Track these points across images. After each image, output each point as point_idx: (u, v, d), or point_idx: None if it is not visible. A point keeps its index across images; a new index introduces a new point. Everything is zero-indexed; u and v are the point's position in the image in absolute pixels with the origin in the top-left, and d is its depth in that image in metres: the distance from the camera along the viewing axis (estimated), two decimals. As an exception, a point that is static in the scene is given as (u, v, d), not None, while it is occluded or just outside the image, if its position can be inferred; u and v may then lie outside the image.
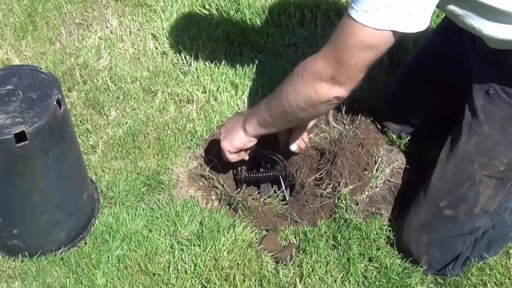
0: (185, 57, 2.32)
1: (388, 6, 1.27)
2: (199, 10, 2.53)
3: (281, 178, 1.89)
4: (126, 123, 2.08)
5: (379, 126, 1.98)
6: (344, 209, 1.78)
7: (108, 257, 1.72)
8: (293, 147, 1.84)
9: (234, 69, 2.25)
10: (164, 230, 1.79)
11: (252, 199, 1.87)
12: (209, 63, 2.28)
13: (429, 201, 1.64)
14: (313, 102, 1.48)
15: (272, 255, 1.73)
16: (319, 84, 1.44)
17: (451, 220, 1.62)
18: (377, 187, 1.82)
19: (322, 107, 1.50)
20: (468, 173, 1.59)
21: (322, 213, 1.81)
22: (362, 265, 1.69)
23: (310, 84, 1.45)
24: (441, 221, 1.63)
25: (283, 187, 1.89)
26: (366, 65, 1.38)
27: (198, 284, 1.66)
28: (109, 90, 2.21)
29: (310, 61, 1.46)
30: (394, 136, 1.94)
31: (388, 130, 1.96)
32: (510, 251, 1.72)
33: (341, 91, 1.43)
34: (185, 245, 1.74)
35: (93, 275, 1.68)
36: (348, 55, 1.36)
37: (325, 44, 1.43)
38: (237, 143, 1.71)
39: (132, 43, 2.41)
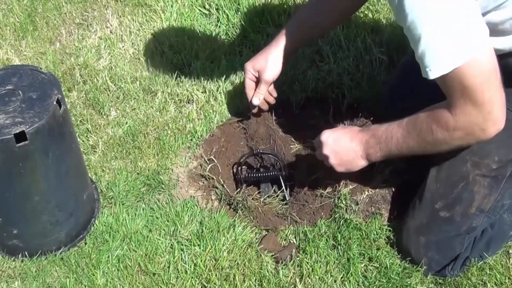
0: (185, 57, 2.32)
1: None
2: (199, 10, 2.53)
3: (281, 178, 1.89)
4: (126, 123, 2.08)
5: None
6: (344, 209, 1.78)
7: (108, 257, 1.72)
8: (255, 101, 1.89)
9: (234, 69, 2.25)
10: (164, 230, 1.79)
11: (252, 199, 1.87)
12: (209, 63, 2.28)
13: (425, 204, 1.65)
14: (472, 144, 1.51)
15: (272, 255, 1.73)
16: (480, 133, 1.42)
17: (448, 221, 1.62)
18: (377, 187, 1.82)
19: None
20: (461, 173, 1.60)
21: (322, 213, 1.81)
22: (362, 265, 1.69)
23: (467, 139, 1.45)
24: (438, 223, 1.63)
25: (283, 187, 1.89)
26: (498, 86, 1.38)
27: (198, 284, 1.66)
28: (109, 90, 2.21)
29: (450, 124, 1.42)
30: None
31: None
32: (510, 251, 1.72)
33: (501, 123, 1.41)
34: (185, 245, 1.74)
35: (93, 275, 1.68)
36: (480, 95, 1.36)
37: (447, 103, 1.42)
38: (356, 170, 1.69)
39: (132, 43, 2.41)
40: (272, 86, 1.94)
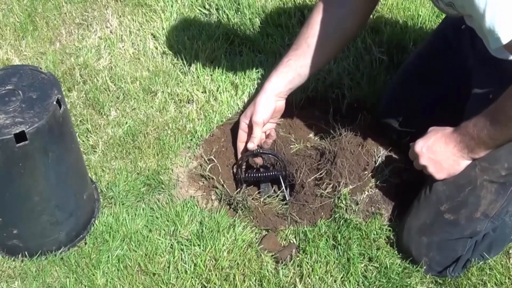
0: (185, 57, 2.32)
1: None
2: (199, 10, 2.53)
3: (281, 178, 1.89)
4: (126, 123, 2.08)
5: (379, 126, 1.98)
6: (344, 209, 1.78)
7: (108, 257, 1.72)
8: (250, 145, 1.86)
9: (234, 69, 2.25)
10: (164, 230, 1.79)
11: (252, 199, 1.87)
12: (209, 63, 2.28)
13: (429, 204, 1.64)
14: None
15: (272, 255, 1.73)
16: None
17: (452, 224, 1.62)
18: (377, 187, 1.82)
19: None
20: (469, 177, 1.59)
21: (322, 213, 1.81)
22: (362, 265, 1.69)
23: None
24: (442, 225, 1.63)
25: (283, 187, 1.89)
26: None
27: (198, 284, 1.66)
28: (109, 90, 2.21)
29: None
30: (394, 136, 1.94)
31: (388, 130, 1.96)
32: (510, 251, 1.72)
33: None
34: (185, 245, 1.74)
35: (93, 275, 1.68)
36: None
37: None
38: (459, 171, 1.61)
39: (132, 43, 2.41)
40: (273, 131, 1.95)
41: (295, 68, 1.83)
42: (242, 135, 1.91)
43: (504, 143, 1.51)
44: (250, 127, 1.89)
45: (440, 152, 1.58)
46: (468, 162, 1.58)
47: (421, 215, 1.66)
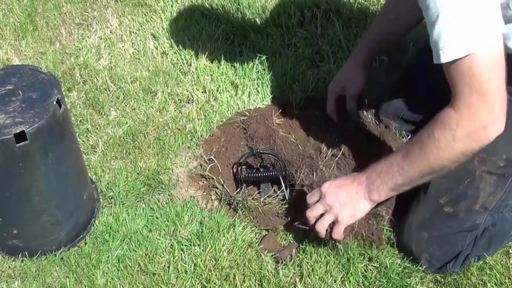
0: (185, 57, 2.32)
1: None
2: (199, 10, 2.53)
3: (281, 178, 1.89)
4: (126, 123, 2.08)
5: (379, 125, 1.98)
6: (344, 209, 1.78)
7: (108, 257, 1.72)
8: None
9: (234, 69, 2.25)
10: (164, 230, 1.79)
11: (252, 199, 1.87)
12: (209, 63, 2.29)
13: (429, 199, 1.65)
14: (474, 151, 1.41)
15: (272, 255, 1.73)
16: (481, 132, 1.36)
17: (452, 217, 1.62)
18: (377, 187, 1.81)
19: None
20: (467, 169, 1.59)
21: (322, 213, 1.81)
22: (362, 265, 1.69)
23: (470, 139, 1.37)
24: (442, 218, 1.63)
25: (283, 187, 1.89)
26: (502, 82, 1.34)
27: (198, 284, 1.66)
28: (109, 90, 2.21)
29: (452, 122, 1.36)
30: (397, 134, 1.94)
31: (389, 129, 1.96)
32: (510, 251, 1.72)
33: (502, 123, 1.36)
34: (185, 245, 1.74)
35: (93, 275, 1.68)
36: (486, 85, 1.31)
37: (454, 100, 1.37)
38: (361, 215, 1.59)
39: (132, 43, 2.41)
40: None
41: (382, 31, 1.91)
42: (333, 105, 1.97)
43: (413, 184, 1.49)
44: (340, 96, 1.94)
45: (341, 194, 1.57)
46: (368, 205, 1.56)
47: (420, 210, 1.66)
